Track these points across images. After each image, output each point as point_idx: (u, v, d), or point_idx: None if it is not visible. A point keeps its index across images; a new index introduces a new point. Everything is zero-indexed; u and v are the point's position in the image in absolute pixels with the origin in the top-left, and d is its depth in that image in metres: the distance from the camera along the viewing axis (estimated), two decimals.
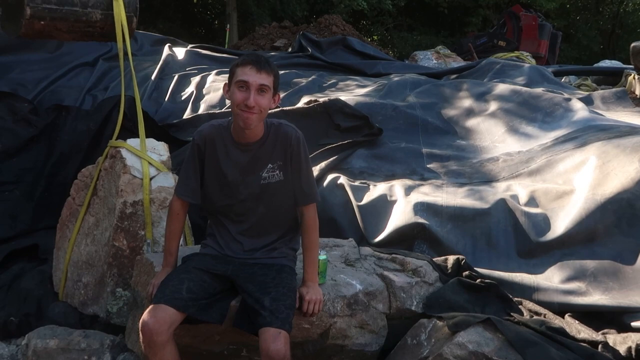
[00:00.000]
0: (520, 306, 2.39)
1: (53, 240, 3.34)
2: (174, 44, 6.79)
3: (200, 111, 4.75)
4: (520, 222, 2.74)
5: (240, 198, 2.08)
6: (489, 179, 3.14)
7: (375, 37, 14.80)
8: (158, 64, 5.81)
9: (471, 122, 3.79)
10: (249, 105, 1.91)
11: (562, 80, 5.87)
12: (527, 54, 8.27)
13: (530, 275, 2.51)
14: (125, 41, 2.91)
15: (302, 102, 4.28)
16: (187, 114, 4.75)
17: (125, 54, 2.90)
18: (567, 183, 2.89)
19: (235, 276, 2.03)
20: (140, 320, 1.83)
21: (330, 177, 3.33)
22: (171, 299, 1.86)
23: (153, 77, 5.39)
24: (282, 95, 4.77)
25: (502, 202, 2.85)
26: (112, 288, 2.78)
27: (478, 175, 3.22)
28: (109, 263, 2.79)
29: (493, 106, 3.87)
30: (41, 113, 4.65)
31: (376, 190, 3.19)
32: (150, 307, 1.86)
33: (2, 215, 3.78)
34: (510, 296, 2.42)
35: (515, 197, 2.90)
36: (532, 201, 2.85)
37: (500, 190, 3.01)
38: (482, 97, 4.05)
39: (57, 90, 4.91)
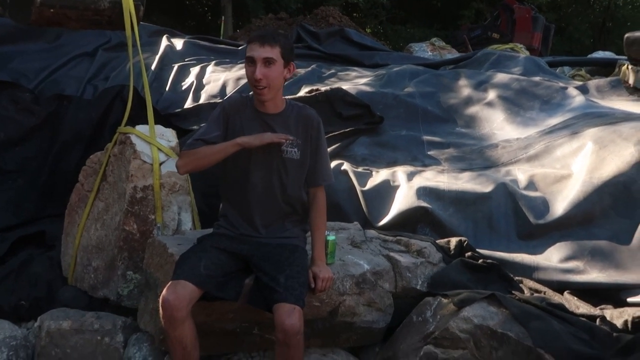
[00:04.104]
0: (521, 285, 2.48)
1: (58, 228, 3.38)
2: (172, 35, 6.79)
3: (201, 101, 4.79)
4: (520, 206, 2.82)
5: (258, 170, 2.11)
6: (488, 165, 3.22)
7: (368, 30, 14.82)
8: (156, 54, 5.82)
9: (470, 111, 3.87)
10: (256, 78, 1.99)
11: (557, 71, 5.96)
12: (521, 46, 8.36)
13: (530, 256, 2.60)
14: (134, 29, 2.95)
15: (303, 92, 4.33)
16: (188, 104, 4.79)
17: (134, 42, 2.94)
18: (565, 168, 2.98)
19: (250, 255, 2.10)
20: (161, 297, 1.89)
21: (334, 163, 3.39)
22: (190, 275, 1.92)
23: (153, 67, 5.41)
24: None
25: (502, 186, 2.93)
26: (123, 271, 2.84)
27: (478, 162, 3.30)
28: (120, 247, 2.84)
29: (491, 95, 3.95)
30: (43, 102, 4.67)
31: (379, 176, 3.26)
32: (170, 283, 1.93)
33: (7, 204, 3.81)
34: (512, 275, 2.51)
35: (514, 182, 2.99)
36: (531, 185, 2.94)
37: (500, 175, 3.10)
38: (480, 86, 4.12)
39: (58, 80, 4.92)
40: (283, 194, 2.14)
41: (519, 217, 2.80)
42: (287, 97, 4.25)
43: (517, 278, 2.50)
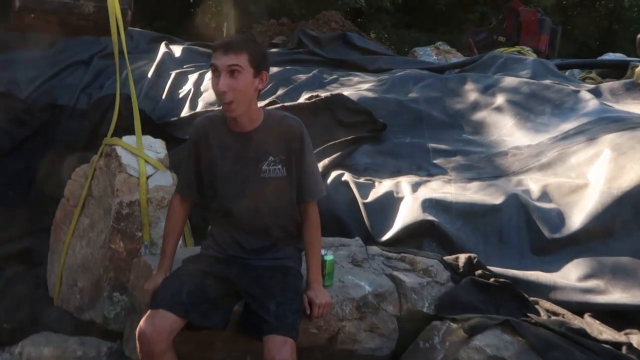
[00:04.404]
0: (536, 306, 2.28)
1: (47, 244, 3.23)
2: (171, 41, 6.66)
3: (198, 109, 4.64)
4: (533, 218, 2.63)
5: (240, 193, 1.95)
6: (498, 174, 3.04)
7: (372, 35, 14.69)
8: (154, 61, 5.69)
9: (478, 116, 3.69)
10: (219, 90, 1.77)
11: (566, 73, 5.77)
12: (528, 48, 8.16)
13: (545, 274, 2.40)
14: (120, 35, 2.79)
15: (303, 98, 4.17)
16: (184, 112, 4.64)
17: (121, 49, 2.79)
18: (581, 177, 2.79)
19: (238, 279, 1.92)
20: (137, 329, 1.71)
21: (334, 174, 3.22)
22: (171, 303, 1.74)
23: (149, 75, 5.27)
24: (282, 92, 4.66)
25: (514, 197, 2.74)
26: (109, 292, 2.67)
27: (487, 170, 3.11)
28: (106, 266, 2.68)
29: (500, 99, 3.77)
30: (35, 112, 4.55)
31: (382, 187, 3.08)
32: (148, 312, 1.75)
33: None
34: (526, 295, 2.31)
35: (527, 192, 2.79)
36: (544, 196, 2.75)
37: (510, 185, 2.91)
38: (488, 90, 3.94)
39: (51, 89, 4.80)
40: (271, 215, 1.96)
41: (533, 231, 2.61)
42: (286, 103, 4.09)
43: (532, 298, 2.30)
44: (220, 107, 1.87)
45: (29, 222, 3.82)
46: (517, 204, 2.70)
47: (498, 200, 2.74)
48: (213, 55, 1.80)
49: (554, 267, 2.47)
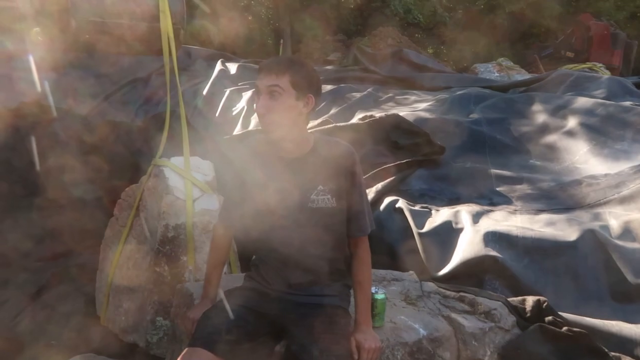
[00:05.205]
0: None
1: (97, 261, 3.24)
2: (227, 59, 6.74)
3: (251, 127, 4.60)
4: (613, 259, 2.33)
5: (285, 223, 1.83)
6: (571, 206, 2.75)
7: (430, 51, 14.40)
8: (210, 79, 5.75)
9: (546, 140, 3.40)
10: (257, 111, 1.68)
11: None
12: (600, 65, 7.65)
13: (630, 325, 2.10)
14: (172, 55, 2.76)
15: (357, 118, 4.03)
16: (237, 130, 4.62)
17: (172, 68, 2.76)
18: None
19: (280, 317, 1.78)
20: None
21: (387, 199, 3.04)
22: (209, 342, 1.63)
23: (205, 92, 5.32)
24: (335, 110, 4.54)
25: (590, 233, 2.45)
26: (152, 317, 2.60)
27: (557, 201, 2.83)
28: (150, 289, 2.62)
29: (572, 122, 3.46)
30: (95, 128, 4.66)
31: (439, 215, 2.87)
32: (186, 350, 1.65)
33: (51, 233, 3.75)
34: (606, 350, 2.03)
35: (605, 229, 2.50)
36: (627, 234, 2.44)
37: (586, 219, 2.61)
38: (558, 111, 3.64)
39: (111, 105, 4.92)
40: (318, 248, 1.81)
41: (613, 274, 2.31)
42: (339, 123, 3.96)
43: (613, 354, 2.01)
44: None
45: (81, 238, 3.88)
46: (594, 241, 2.41)
47: (572, 236, 2.46)
48: (257, 75, 1.71)
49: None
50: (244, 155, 1.90)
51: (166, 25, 2.66)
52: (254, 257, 2.06)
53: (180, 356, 1.65)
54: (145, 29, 2.72)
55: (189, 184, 2.59)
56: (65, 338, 2.93)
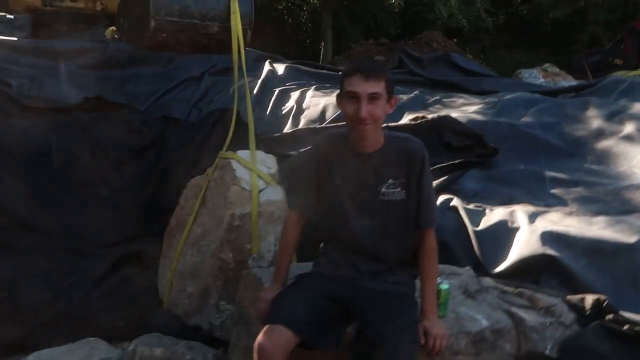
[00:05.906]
0: None
1: (158, 248, 3.41)
2: (274, 60, 6.89)
3: (300, 126, 4.70)
4: None
5: (357, 214, 1.93)
6: (630, 209, 2.74)
7: (470, 56, 14.26)
8: (259, 79, 5.89)
9: (602, 145, 3.37)
10: (360, 117, 1.78)
11: None
12: None
13: None
14: (241, 53, 2.91)
15: (407, 119, 4.08)
16: (287, 128, 4.73)
17: (240, 65, 2.90)
18: None
19: (352, 301, 1.87)
20: (256, 342, 1.72)
21: (441, 198, 3.09)
22: (288, 320, 1.74)
23: (255, 91, 5.46)
24: None
25: None
26: (216, 301, 2.75)
27: (615, 205, 2.82)
28: (214, 275, 2.76)
29: (629, 127, 3.42)
30: (151, 124, 4.87)
31: (494, 215, 2.90)
32: (266, 327, 1.75)
33: (113, 221, 3.95)
34: None
35: None
36: None
37: None
38: (614, 116, 3.60)
39: (166, 102, 5.12)
40: (388, 238, 1.91)
41: None
42: (390, 124, 4.03)
43: None
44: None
45: (141, 227, 4.07)
46: None
47: (631, 238, 2.46)
48: (348, 80, 1.81)
49: None
50: (320, 148, 2.01)
51: (236, 25, 2.81)
52: (321, 245, 2.16)
53: (262, 332, 1.75)
54: (217, 29, 2.87)
55: (255, 175, 2.72)
56: (131, 319, 3.10)
